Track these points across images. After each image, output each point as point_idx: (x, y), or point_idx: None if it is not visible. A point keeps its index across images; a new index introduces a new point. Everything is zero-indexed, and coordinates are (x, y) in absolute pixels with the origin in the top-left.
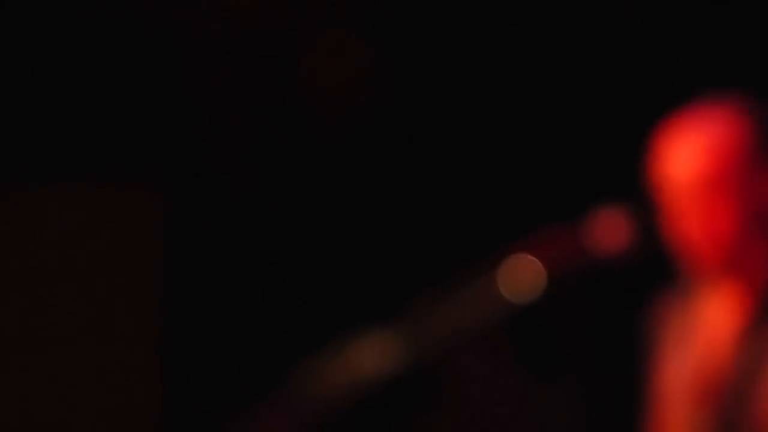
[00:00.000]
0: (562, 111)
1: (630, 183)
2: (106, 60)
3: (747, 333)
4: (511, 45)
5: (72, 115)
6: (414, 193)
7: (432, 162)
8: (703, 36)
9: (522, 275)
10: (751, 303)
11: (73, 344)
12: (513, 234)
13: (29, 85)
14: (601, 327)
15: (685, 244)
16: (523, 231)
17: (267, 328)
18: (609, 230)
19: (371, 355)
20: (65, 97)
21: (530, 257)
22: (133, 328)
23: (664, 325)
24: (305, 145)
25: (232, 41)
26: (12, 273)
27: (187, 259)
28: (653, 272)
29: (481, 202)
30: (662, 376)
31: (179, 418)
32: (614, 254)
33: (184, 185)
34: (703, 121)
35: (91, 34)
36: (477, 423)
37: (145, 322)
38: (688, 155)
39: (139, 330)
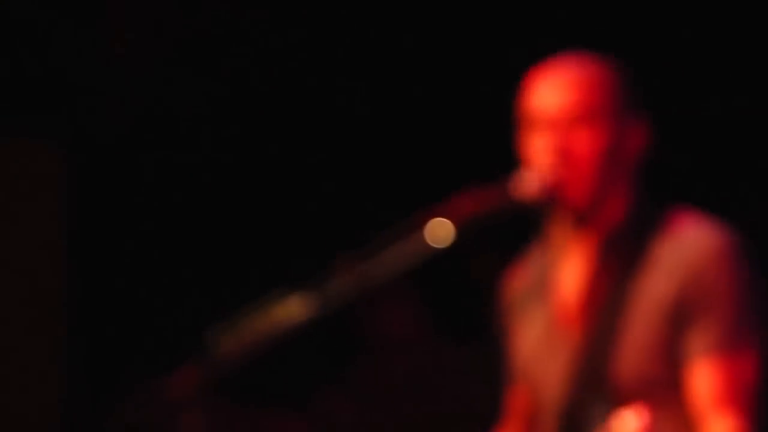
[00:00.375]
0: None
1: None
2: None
3: (597, 280)
4: None
5: None
6: (336, 156)
7: (352, 128)
8: None
9: (438, 234)
10: (603, 250)
11: None
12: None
13: None
14: None
15: (549, 181)
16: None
17: (178, 290)
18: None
19: (288, 311)
20: None
21: (445, 218)
22: (36, 286)
23: (520, 288)
24: (213, 102)
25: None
26: None
27: (92, 216)
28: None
29: (400, 166)
30: (521, 337)
31: (87, 379)
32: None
33: (86, 140)
34: (573, 61)
35: None
36: (395, 374)
37: (48, 281)
38: (555, 87)
39: (43, 289)
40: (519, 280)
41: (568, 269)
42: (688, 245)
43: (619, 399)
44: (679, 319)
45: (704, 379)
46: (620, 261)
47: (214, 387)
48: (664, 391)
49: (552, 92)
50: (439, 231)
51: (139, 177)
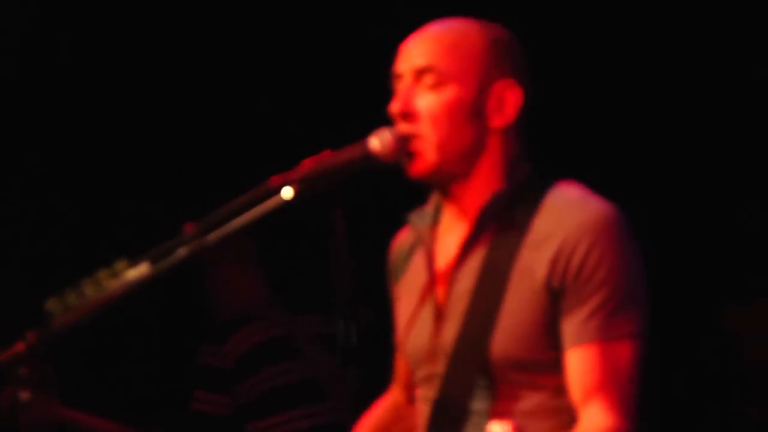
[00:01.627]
0: None
1: None
2: None
3: (468, 250)
4: None
5: None
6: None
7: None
8: None
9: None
10: (476, 219)
11: None
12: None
13: None
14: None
15: (396, 136)
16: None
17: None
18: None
19: (128, 278)
20: None
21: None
22: None
23: (398, 252)
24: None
25: None
26: None
27: None
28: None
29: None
30: (399, 303)
31: None
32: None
33: None
34: (442, 23)
35: None
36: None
37: None
38: (412, 45)
39: None
40: (399, 245)
41: (443, 237)
42: (563, 218)
43: (495, 380)
44: (553, 298)
45: (578, 367)
46: (494, 232)
47: (49, 358)
48: (543, 373)
49: (409, 49)
50: (287, 188)
51: None
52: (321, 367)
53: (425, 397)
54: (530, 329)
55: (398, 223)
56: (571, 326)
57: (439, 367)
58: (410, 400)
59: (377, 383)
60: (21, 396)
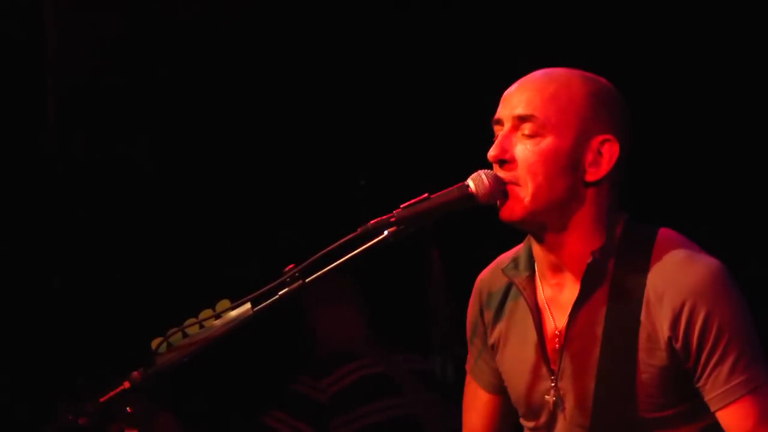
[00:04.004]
0: None
1: None
2: None
3: (582, 311)
4: None
5: None
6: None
7: None
8: None
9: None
10: (585, 276)
11: None
12: None
13: None
14: None
15: (492, 181)
16: None
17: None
18: None
19: (232, 318)
20: None
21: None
22: None
23: (494, 299)
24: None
25: None
26: None
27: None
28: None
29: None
30: (501, 347)
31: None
32: None
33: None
34: (548, 71)
35: None
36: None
37: None
38: (515, 92)
39: None
40: (487, 286)
41: (543, 288)
42: (676, 278)
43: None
44: (674, 356)
45: (735, 423)
46: (606, 291)
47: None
48: (680, 426)
49: (510, 96)
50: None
51: (87, 182)
52: (419, 403)
53: None
54: (667, 385)
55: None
56: (715, 388)
57: (548, 421)
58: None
59: None
60: None
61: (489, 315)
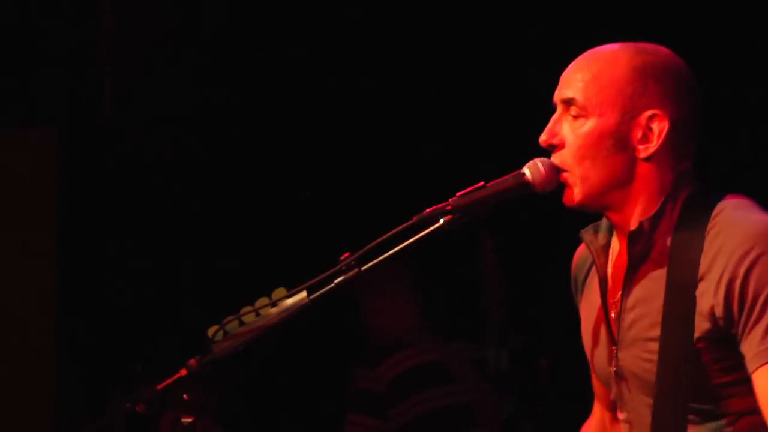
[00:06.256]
0: None
1: None
2: None
3: (627, 283)
4: None
5: None
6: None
7: None
8: None
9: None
10: (630, 244)
11: None
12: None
13: None
14: None
15: (546, 166)
16: None
17: (173, 289)
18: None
19: (286, 307)
20: None
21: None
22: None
23: (581, 274)
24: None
25: None
26: None
27: (83, 214)
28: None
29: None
30: (582, 324)
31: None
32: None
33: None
34: (594, 51)
35: None
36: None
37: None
38: (564, 77)
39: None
40: (579, 261)
41: (614, 259)
42: (723, 242)
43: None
44: (716, 325)
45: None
46: (660, 260)
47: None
48: (728, 398)
49: (561, 79)
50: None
51: (135, 176)
52: (473, 392)
53: (621, 418)
54: (715, 356)
55: (548, 250)
56: (751, 349)
57: (622, 390)
58: (615, 417)
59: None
60: (183, 421)
61: (578, 282)
